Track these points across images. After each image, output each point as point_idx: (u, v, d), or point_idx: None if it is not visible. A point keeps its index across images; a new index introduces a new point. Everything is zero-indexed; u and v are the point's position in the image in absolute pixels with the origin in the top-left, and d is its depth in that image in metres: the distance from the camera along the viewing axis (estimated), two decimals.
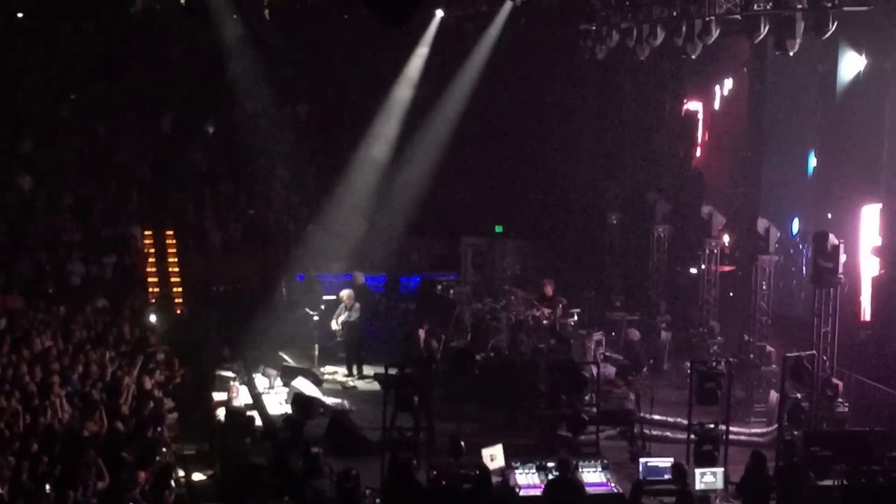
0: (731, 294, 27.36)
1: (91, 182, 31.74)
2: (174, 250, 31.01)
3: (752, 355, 23.48)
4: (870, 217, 23.23)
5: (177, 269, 30.48)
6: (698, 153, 31.13)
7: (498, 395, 23.25)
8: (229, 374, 24.00)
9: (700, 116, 30.81)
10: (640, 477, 18.01)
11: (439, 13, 31.14)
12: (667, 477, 17.71)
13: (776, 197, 27.17)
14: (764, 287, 23.56)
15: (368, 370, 25.64)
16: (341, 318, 25.95)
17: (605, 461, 18.95)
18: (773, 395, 21.86)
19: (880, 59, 23.27)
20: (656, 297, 28.63)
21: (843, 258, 20.92)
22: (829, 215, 24.23)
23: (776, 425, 20.55)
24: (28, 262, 28.34)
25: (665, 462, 18.17)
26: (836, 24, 20.17)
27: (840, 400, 20.61)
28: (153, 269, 30.11)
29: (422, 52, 31.78)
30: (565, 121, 33.73)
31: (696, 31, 23.53)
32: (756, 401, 22.96)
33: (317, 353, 25.86)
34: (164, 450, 18.19)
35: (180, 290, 29.85)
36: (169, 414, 20.67)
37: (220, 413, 21.55)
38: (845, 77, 24.09)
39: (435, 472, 17.33)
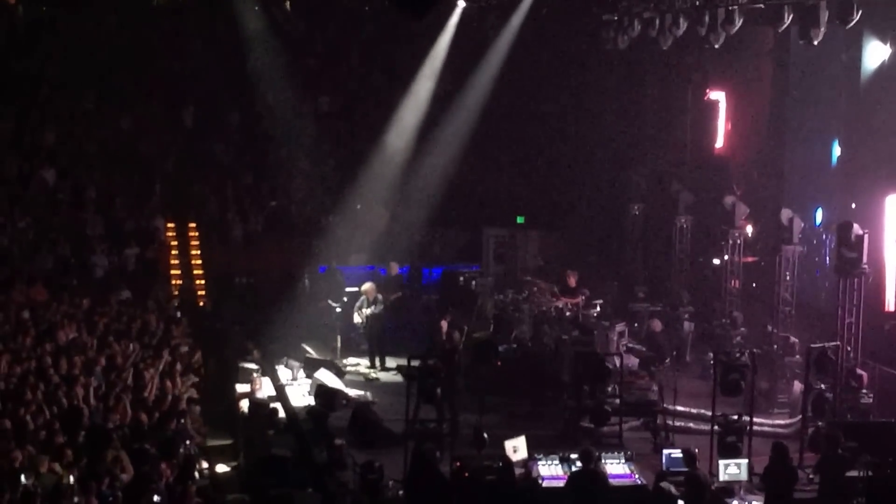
0: (754, 285, 27.29)
1: (114, 174, 31.83)
2: (196, 242, 31.10)
3: (775, 346, 23.42)
4: (894, 207, 23.10)
5: (199, 262, 30.57)
6: (721, 143, 31.01)
7: (521, 387, 23.26)
8: (252, 365, 24.05)
9: (723, 106, 30.68)
10: (664, 468, 17.97)
11: (461, 3, 31.05)
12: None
13: (799, 187, 27.07)
14: (787, 278, 23.50)
15: (391, 362, 25.68)
16: (366, 312, 25.96)
17: (629, 452, 18.95)
18: (797, 386, 21.82)
19: None
20: (679, 288, 28.56)
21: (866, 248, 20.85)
22: (853, 205, 24.11)
23: (800, 416, 20.54)
24: (51, 254, 28.44)
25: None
26: (860, 13, 20.09)
27: (864, 391, 20.54)
28: (176, 262, 30.20)
29: (443, 43, 31.71)
30: (587, 111, 33.62)
31: (719, 21, 23.47)
32: (779, 392, 22.88)
33: (339, 344, 25.89)
34: (187, 442, 18.24)
35: (203, 282, 29.93)
36: (192, 406, 20.72)
37: (244, 405, 21.62)
38: (870, 66, 23.94)
39: (458, 464, 17.35)
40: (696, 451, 17.53)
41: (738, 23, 23.09)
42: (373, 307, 25.94)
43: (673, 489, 16.36)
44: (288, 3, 36.08)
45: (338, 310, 26.29)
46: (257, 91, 33.33)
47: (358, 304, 26.07)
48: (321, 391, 22.30)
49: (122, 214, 30.66)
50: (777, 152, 27.62)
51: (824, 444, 18.09)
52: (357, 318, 26.11)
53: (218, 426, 21.55)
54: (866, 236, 20.85)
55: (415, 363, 19.43)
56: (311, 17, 35.14)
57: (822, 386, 20.22)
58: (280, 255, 31.08)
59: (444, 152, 32.11)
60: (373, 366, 25.84)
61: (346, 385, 23.73)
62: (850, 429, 18.92)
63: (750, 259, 27.17)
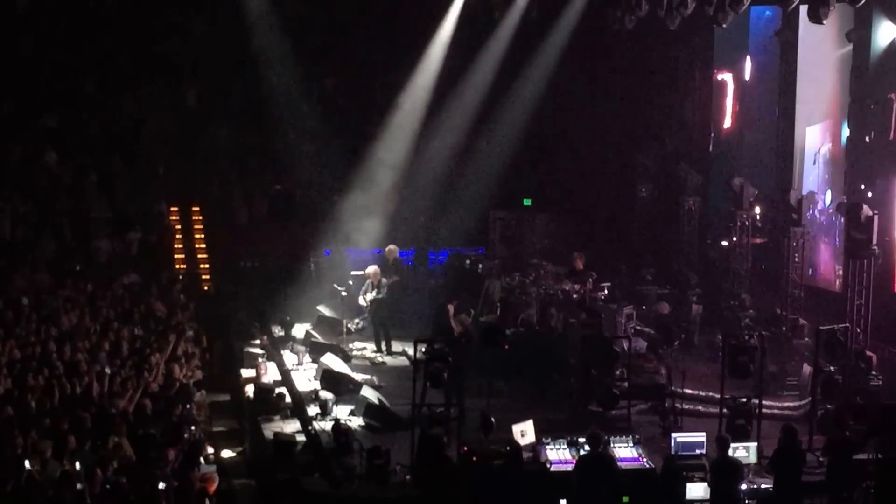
0: (763, 266, 27.31)
1: (117, 158, 31.85)
2: (201, 226, 31.16)
3: (784, 328, 23.44)
4: None
5: (203, 246, 30.63)
6: (729, 124, 31.00)
7: (528, 371, 23.27)
8: (258, 350, 24.11)
9: (731, 87, 30.66)
10: (672, 451, 18.02)
11: None
12: (699, 452, 17.76)
13: (808, 168, 27.05)
14: (796, 259, 23.52)
15: (398, 346, 25.72)
16: (369, 296, 26.02)
17: (637, 436, 18.94)
18: (806, 369, 21.84)
19: None
20: (687, 270, 28.57)
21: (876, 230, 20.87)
22: (863, 185, 24.12)
23: (809, 399, 20.56)
24: (54, 238, 28.49)
25: (697, 437, 18.18)
26: None
27: (874, 373, 20.55)
28: (180, 246, 30.25)
29: (449, 24, 31.62)
30: (594, 92, 33.59)
31: (727, 0, 23.43)
32: (789, 374, 22.91)
33: (345, 328, 25.94)
34: (192, 427, 18.31)
35: (207, 266, 29.98)
36: (197, 391, 20.80)
37: (249, 390, 21.67)
38: (879, 46, 23.94)
39: (465, 448, 17.37)
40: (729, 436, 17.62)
41: (747, 2, 23.05)
42: (376, 291, 25.98)
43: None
44: None
45: (343, 293, 26.30)
46: (261, 72, 33.27)
47: (364, 287, 26.14)
48: (327, 375, 22.35)
49: (126, 198, 30.69)
50: (785, 133, 27.57)
51: (831, 427, 18.14)
52: (362, 302, 26.17)
53: (223, 411, 21.65)
54: (876, 217, 20.85)
55: (421, 347, 19.44)
56: None
57: (832, 368, 20.25)
58: (285, 238, 31.13)
59: (450, 134, 32.08)
60: (379, 350, 25.88)
61: (353, 369, 23.76)
62: (859, 411, 18.97)
63: (758, 240, 27.18)
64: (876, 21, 23.72)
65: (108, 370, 19.80)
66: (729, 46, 29.64)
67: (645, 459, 18.29)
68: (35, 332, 21.34)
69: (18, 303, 23.31)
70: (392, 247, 27.66)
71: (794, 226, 23.45)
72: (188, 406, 19.16)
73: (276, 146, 33.21)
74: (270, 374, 22.80)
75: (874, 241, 20.88)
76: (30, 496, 14.38)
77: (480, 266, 30.17)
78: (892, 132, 23.47)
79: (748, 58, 29.72)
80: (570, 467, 17.46)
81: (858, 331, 21.20)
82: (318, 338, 25.23)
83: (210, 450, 18.63)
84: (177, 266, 29.29)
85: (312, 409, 20.92)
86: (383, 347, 25.88)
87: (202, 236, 30.89)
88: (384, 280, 26.06)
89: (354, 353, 25.51)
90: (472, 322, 23.61)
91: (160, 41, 34.17)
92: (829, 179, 26.35)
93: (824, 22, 21.09)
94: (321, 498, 17.15)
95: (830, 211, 25.85)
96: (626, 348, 21.88)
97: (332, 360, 23.20)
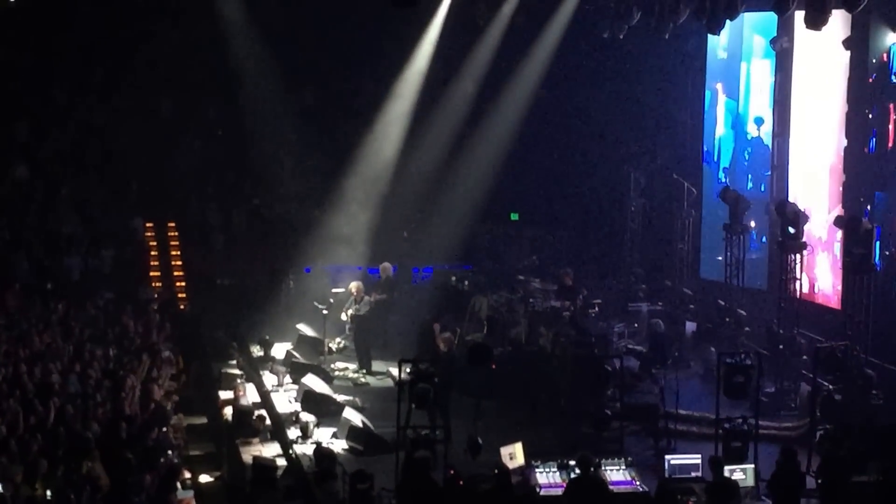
0: (759, 282, 27.33)
1: (89, 172, 31.78)
2: (176, 243, 31.13)
3: (781, 345, 23.46)
4: None
5: (179, 263, 30.59)
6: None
7: (517, 391, 23.29)
8: (236, 371, 24.07)
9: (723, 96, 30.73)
10: (666, 474, 18.03)
11: None
12: (694, 475, 17.78)
13: (806, 181, 27.11)
14: (794, 274, 23.54)
15: (381, 366, 25.71)
16: (350, 311, 26.06)
17: (629, 458, 18.96)
18: (805, 388, 21.86)
19: None
20: (680, 286, 28.60)
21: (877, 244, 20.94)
22: (861, 199, 24.16)
23: (808, 419, 20.58)
24: (25, 256, 28.42)
25: (692, 459, 18.21)
26: None
27: (874, 392, 20.58)
28: (155, 263, 30.20)
29: (432, 33, 31.67)
30: (583, 103, 33.61)
31: (721, 8, 23.50)
32: (786, 393, 22.93)
33: (326, 348, 25.92)
34: (169, 451, 18.28)
35: (183, 284, 29.94)
36: (174, 414, 20.76)
37: (227, 412, 21.63)
38: (878, 54, 23.99)
39: (452, 472, 17.34)
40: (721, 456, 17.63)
41: (741, 9, 23.13)
42: (357, 307, 25.99)
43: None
44: None
45: (325, 312, 26.27)
46: (238, 83, 33.24)
47: (347, 303, 26.17)
48: (309, 397, 22.34)
49: (98, 214, 30.63)
50: (780, 144, 27.64)
51: (826, 447, 18.15)
52: (343, 317, 26.18)
53: (201, 434, 21.59)
54: (876, 231, 20.92)
55: (406, 367, 19.44)
56: (294, 5, 35.02)
57: (831, 387, 20.27)
58: (264, 255, 31.11)
59: (434, 147, 32.11)
60: (361, 369, 25.86)
61: (335, 390, 23.73)
62: (859, 432, 19.00)
63: (753, 256, 27.23)
64: (874, 28, 23.77)
65: (81, 392, 19.75)
66: (723, 53, 29.70)
67: (638, 482, 18.29)
68: (5, 354, 21.27)
69: None
70: (386, 264, 27.62)
71: (790, 239, 23.45)
72: (164, 429, 19.12)
73: (254, 159, 33.20)
74: (249, 395, 22.74)
75: (874, 256, 20.93)
76: None
77: (466, 283, 30.19)
78: (890, 142, 23.55)
79: (743, 64, 29.72)
80: (560, 491, 17.47)
81: (858, 348, 21.18)
82: (299, 358, 25.21)
83: (187, 474, 18.58)
84: (152, 284, 29.20)
85: (293, 432, 20.89)
86: (363, 367, 25.87)
87: (178, 253, 30.85)
88: (367, 297, 26.08)
89: (336, 373, 25.50)
90: (459, 341, 23.61)
91: (133, 50, 34.11)
92: (828, 191, 26.38)
93: (821, 29, 21.13)
94: None
95: (829, 224, 25.91)
96: (617, 367, 21.89)
97: (313, 381, 23.17)
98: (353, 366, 26.03)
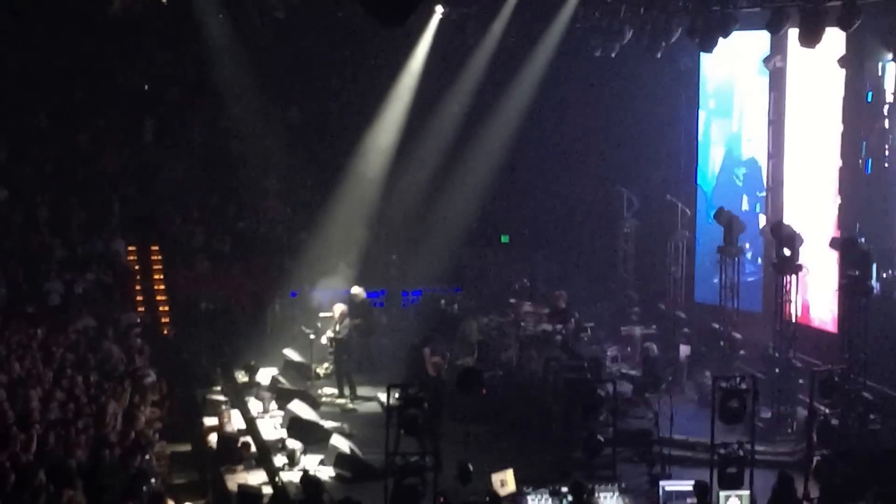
0: (754, 305, 27.35)
1: (70, 194, 31.73)
2: (160, 266, 31.06)
3: (777, 369, 23.46)
4: None
5: (163, 287, 30.52)
6: None
7: (508, 416, 23.28)
8: (220, 397, 24.00)
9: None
10: (661, 501, 18.01)
11: (439, 10, 31.05)
12: (689, 501, 17.74)
13: (801, 202, 27.15)
14: (790, 297, 23.56)
15: (368, 391, 25.67)
16: (330, 333, 26.01)
17: (623, 485, 19.00)
18: (801, 412, 21.86)
19: None
20: (674, 309, 28.60)
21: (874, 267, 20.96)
22: (858, 224, 24.18)
23: (804, 444, 20.57)
24: (3, 280, 28.35)
25: (687, 485, 18.18)
26: (862, 16, 20.23)
27: (872, 416, 20.58)
28: (138, 287, 30.13)
29: (421, 52, 31.73)
30: (574, 123, 33.65)
31: (713, 26, 23.58)
32: (783, 417, 22.92)
33: (313, 373, 25.88)
34: (152, 480, 18.19)
35: (167, 308, 29.89)
36: (157, 441, 20.68)
37: (212, 439, 21.56)
38: (873, 73, 24.05)
39: (442, 499, 17.35)
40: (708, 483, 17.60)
41: (734, 28, 23.20)
42: (337, 328, 25.92)
43: None
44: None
45: (311, 336, 26.22)
46: (223, 104, 33.25)
47: (331, 326, 26.14)
48: (295, 424, 22.31)
49: (80, 237, 30.58)
50: (776, 165, 27.70)
51: (823, 473, 18.13)
52: (323, 340, 26.12)
53: (184, 462, 21.50)
54: (873, 254, 20.95)
55: (395, 392, 19.40)
56: (280, 24, 35.10)
57: (828, 411, 20.26)
58: (249, 279, 31.07)
59: (423, 168, 32.13)
60: (341, 394, 25.80)
61: (321, 416, 23.69)
62: (857, 457, 18.99)
63: (750, 278, 27.26)
64: (869, 47, 23.83)
65: (61, 419, 19.67)
66: (712, 72, 29.78)
67: None
68: None
69: None
70: (357, 289, 27.25)
71: (786, 261, 23.47)
72: (147, 457, 19.04)
73: (239, 181, 33.18)
74: (234, 422, 22.67)
75: (872, 279, 20.95)
76: None
77: (456, 306, 30.19)
78: (886, 163, 23.60)
79: (736, 83, 29.80)
80: None
81: (856, 372, 21.18)
82: (285, 383, 25.17)
83: (170, 503, 18.50)
84: (135, 308, 29.13)
85: (279, 460, 20.85)
86: (346, 392, 25.81)
87: (161, 277, 30.78)
88: (347, 320, 26.03)
89: (323, 399, 25.48)
90: (449, 365, 23.59)
91: (115, 72, 34.12)
92: (823, 212, 26.42)
93: (815, 47, 21.21)
94: None
95: (825, 246, 25.94)
96: (610, 392, 21.87)
97: (299, 407, 23.13)
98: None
